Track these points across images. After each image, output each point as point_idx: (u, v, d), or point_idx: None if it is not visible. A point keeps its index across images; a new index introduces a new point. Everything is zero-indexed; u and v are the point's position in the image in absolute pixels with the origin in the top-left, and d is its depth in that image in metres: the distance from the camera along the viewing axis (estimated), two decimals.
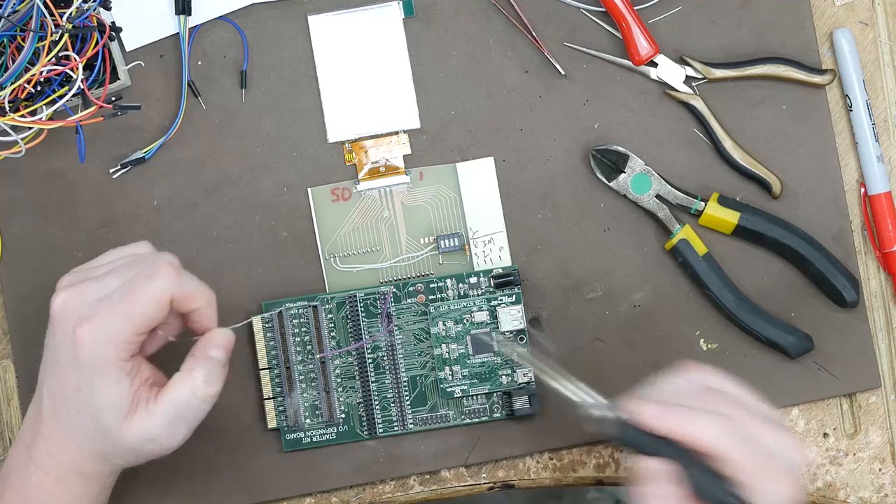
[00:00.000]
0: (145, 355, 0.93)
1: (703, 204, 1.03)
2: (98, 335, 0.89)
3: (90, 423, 0.90)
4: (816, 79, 1.03)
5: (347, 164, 1.04)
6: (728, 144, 1.03)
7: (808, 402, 1.04)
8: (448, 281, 1.02)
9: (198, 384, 0.91)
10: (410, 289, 1.02)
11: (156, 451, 0.92)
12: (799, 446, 0.91)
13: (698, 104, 1.04)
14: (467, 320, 1.02)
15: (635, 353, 1.04)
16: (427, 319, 1.02)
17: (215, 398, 0.92)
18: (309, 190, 1.04)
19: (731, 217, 1.02)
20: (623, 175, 1.03)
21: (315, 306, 1.02)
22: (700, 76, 1.04)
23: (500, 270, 1.02)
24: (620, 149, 1.03)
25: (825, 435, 1.05)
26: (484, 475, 1.04)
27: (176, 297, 0.91)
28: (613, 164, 1.04)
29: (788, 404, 1.04)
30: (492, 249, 1.03)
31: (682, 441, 0.88)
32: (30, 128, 0.96)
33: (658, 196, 1.03)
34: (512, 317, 1.02)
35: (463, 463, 1.03)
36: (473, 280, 1.03)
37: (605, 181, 1.04)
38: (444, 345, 1.02)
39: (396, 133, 1.04)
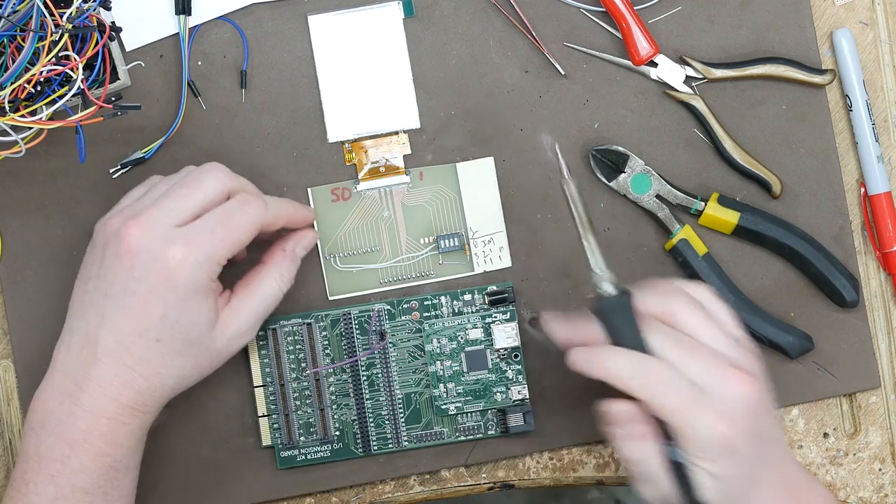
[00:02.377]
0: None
1: (703, 204, 1.03)
2: (196, 258, 0.92)
3: (175, 345, 0.93)
4: (816, 79, 1.03)
5: (347, 164, 1.04)
6: (728, 144, 1.03)
7: (808, 402, 1.04)
8: (442, 298, 1.02)
9: (285, 280, 0.98)
10: (405, 306, 1.02)
11: (236, 348, 0.96)
12: (735, 378, 0.89)
13: (698, 104, 1.04)
14: (461, 337, 1.02)
15: None
16: (421, 336, 1.02)
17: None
18: (309, 190, 1.04)
19: (731, 217, 1.02)
20: (623, 175, 1.03)
21: (310, 323, 1.02)
22: (700, 76, 1.04)
23: (495, 287, 1.02)
24: (620, 149, 1.03)
25: (825, 435, 1.05)
26: (484, 475, 1.04)
27: (264, 223, 0.96)
28: (613, 164, 1.04)
29: (788, 404, 1.04)
30: (492, 249, 1.03)
31: (592, 374, 0.91)
32: (30, 128, 0.96)
33: (658, 196, 1.03)
34: (506, 334, 1.01)
35: (463, 463, 1.03)
36: (468, 297, 1.02)
37: (605, 181, 1.04)
38: (438, 362, 1.02)
39: (396, 133, 1.04)
